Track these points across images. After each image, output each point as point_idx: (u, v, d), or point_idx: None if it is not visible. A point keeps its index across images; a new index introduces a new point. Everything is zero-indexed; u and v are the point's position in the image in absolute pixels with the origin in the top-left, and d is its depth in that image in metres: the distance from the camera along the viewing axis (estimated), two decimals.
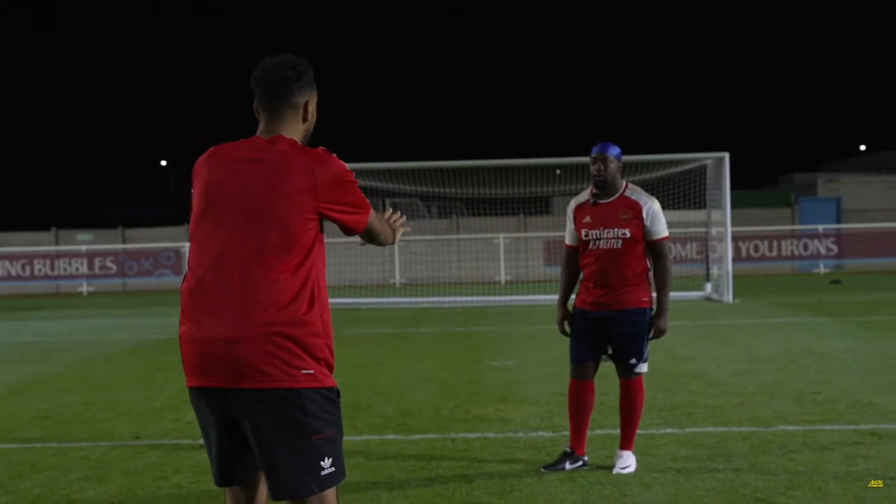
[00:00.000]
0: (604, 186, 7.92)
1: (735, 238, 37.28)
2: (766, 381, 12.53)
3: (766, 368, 13.65)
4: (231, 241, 4.31)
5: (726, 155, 27.79)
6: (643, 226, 7.89)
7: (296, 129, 4.54)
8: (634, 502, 7.20)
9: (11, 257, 43.97)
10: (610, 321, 7.99)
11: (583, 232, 8.01)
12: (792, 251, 43.38)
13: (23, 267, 43.99)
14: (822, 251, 43.13)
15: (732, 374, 13.25)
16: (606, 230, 7.85)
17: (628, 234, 7.82)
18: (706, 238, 31.43)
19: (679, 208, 33.44)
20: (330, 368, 4.40)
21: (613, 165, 7.90)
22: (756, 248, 42.54)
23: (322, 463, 4.29)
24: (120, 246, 44.43)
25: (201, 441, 9.37)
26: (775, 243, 43.26)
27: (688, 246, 40.14)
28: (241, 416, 4.32)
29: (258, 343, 4.21)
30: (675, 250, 41.14)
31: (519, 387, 12.69)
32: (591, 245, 7.97)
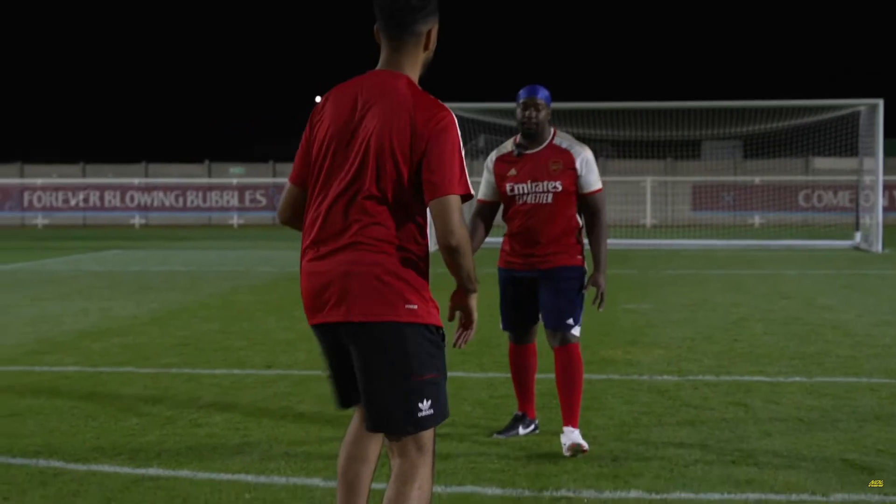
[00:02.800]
0: (533, 135, 7.05)
1: (887, 187, 36.48)
2: None
3: None
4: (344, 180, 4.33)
5: (881, 101, 27.26)
6: (576, 177, 7.01)
7: (417, 58, 4.49)
8: (751, 448, 7.12)
9: (165, 188, 44.98)
10: (540, 280, 7.11)
11: (507, 186, 7.10)
12: None
13: (176, 198, 44.97)
14: None
15: (871, 324, 13.02)
16: (536, 183, 7.00)
17: (559, 187, 6.95)
18: (857, 186, 30.86)
19: (831, 155, 32.92)
20: (435, 307, 4.39)
21: (545, 112, 7.03)
22: None
23: (420, 405, 4.28)
24: (270, 179, 45.13)
25: (265, 371, 9.60)
26: None
27: (839, 194, 39.44)
28: (349, 346, 4.38)
29: (365, 279, 4.25)
30: (825, 198, 40.44)
31: (651, 330, 12.62)
32: (517, 200, 7.07)
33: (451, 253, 4.19)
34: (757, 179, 41.29)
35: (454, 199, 4.18)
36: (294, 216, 4.59)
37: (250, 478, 6.45)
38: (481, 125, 32.41)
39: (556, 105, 28.55)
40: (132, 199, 45.23)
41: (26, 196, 45.97)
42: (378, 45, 4.49)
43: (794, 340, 11.75)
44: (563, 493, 6.14)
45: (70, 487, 6.30)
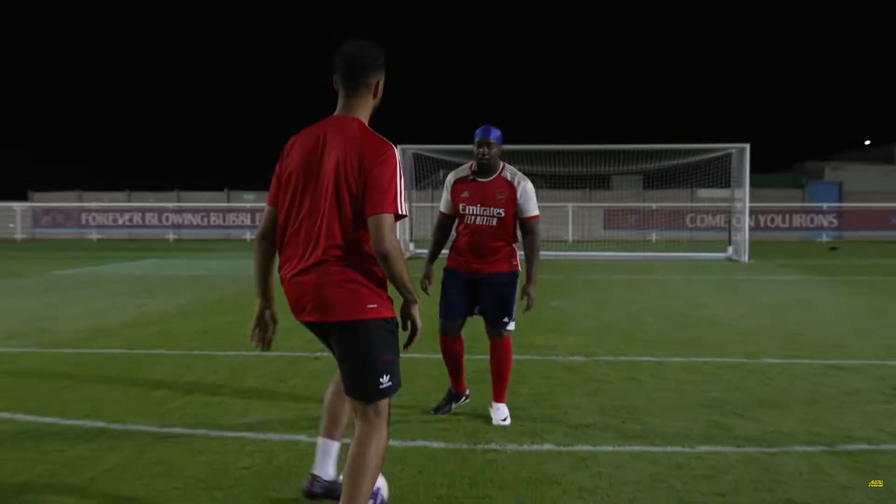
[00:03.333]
0: (486, 168, 6.92)
1: (754, 212, 36.71)
2: (762, 324, 12.40)
3: (764, 314, 13.50)
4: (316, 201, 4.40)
5: (747, 146, 27.53)
6: (517, 205, 6.87)
7: (367, 105, 4.50)
8: (639, 411, 7.18)
9: (193, 210, 44.91)
10: (481, 282, 6.95)
11: (460, 206, 6.98)
12: (800, 223, 42.72)
13: (202, 218, 44.83)
14: (825, 224, 42.40)
15: (737, 317, 13.12)
16: (484, 208, 6.86)
17: (503, 214, 6.84)
18: (730, 211, 31.05)
19: (709, 186, 33.14)
20: (390, 301, 4.45)
21: (496, 149, 6.87)
22: (771, 220, 41.92)
23: (381, 379, 4.34)
24: None
25: (316, 353, 9.61)
26: (787, 217, 42.60)
27: (716, 217, 39.71)
28: (329, 337, 4.45)
29: (336, 288, 4.30)
30: (706, 220, 40.70)
31: (567, 321, 12.67)
32: (467, 219, 6.94)
33: (383, 259, 4.19)
34: (654, 205, 41.49)
35: (388, 217, 4.17)
36: (271, 230, 4.67)
37: (251, 435, 6.48)
38: (440, 162, 32.52)
39: (505, 146, 28.46)
40: (167, 218, 44.92)
41: (83, 216, 45.65)
42: (336, 92, 4.54)
43: (676, 329, 11.84)
44: (492, 446, 6.19)
45: (110, 442, 6.31)
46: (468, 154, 29.00)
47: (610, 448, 6.14)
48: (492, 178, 6.94)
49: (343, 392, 4.64)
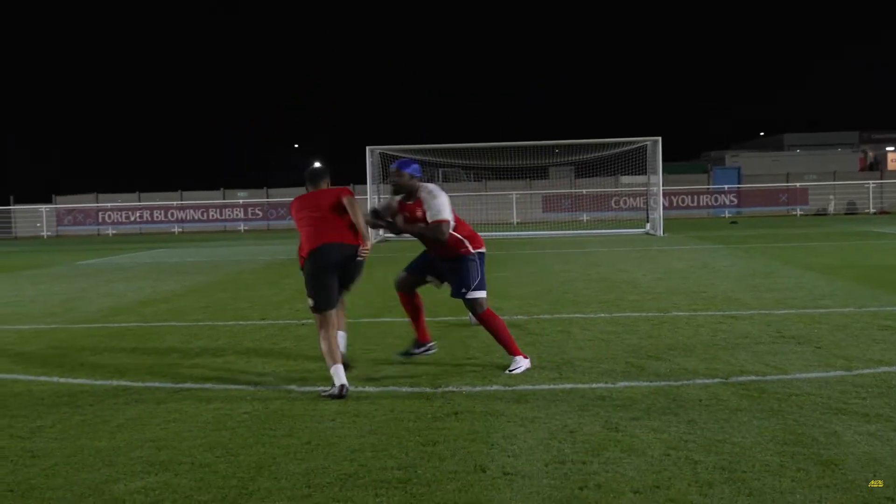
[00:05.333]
0: (398, 192, 7.03)
1: (667, 193, 37.13)
2: (672, 285, 12.63)
3: (674, 277, 13.74)
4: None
5: (659, 139, 27.94)
6: (426, 214, 6.90)
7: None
8: (569, 357, 7.35)
9: (195, 207, 44.64)
10: (441, 261, 7.08)
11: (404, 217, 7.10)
12: (706, 202, 43.22)
13: (202, 213, 44.56)
14: (727, 203, 42.93)
15: (652, 280, 13.35)
16: (413, 224, 6.98)
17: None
18: (647, 194, 31.38)
19: (629, 174, 33.43)
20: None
21: (406, 178, 6.93)
22: (682, 200, 42.41)
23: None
24: (265, 199, 44.83)
25: (303, 321, 9.70)
26: (695, 197, 43.06)
27: (637, 199, 40.07)
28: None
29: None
30: (627, 202, 41.02)
31: (510, 288, 12.83)
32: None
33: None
34: (584, 191, 41.83)
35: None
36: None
37: (250, 387, 6.58)
38: (436, 164, 32.61)
39: (459, 144, 27.99)
40: (172, 215, 44.61)
41: (100, 214, 45.25)
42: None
43: (602, 291, 12.04)
44: (449, 388, 6.33)
45: (133, 396, 6.41)
46: (430, 153, 28.53)
47: (547, 387, 6.30)
48: (413, 201, 7.00)
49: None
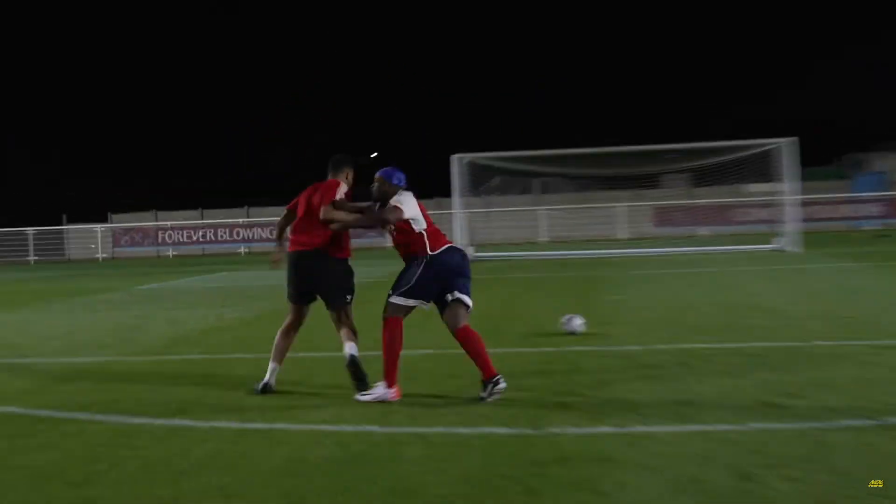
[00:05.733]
0: (378, 199, 7.90)
1: (803, 203, 36.39)
2: (810, 309, 12.34)
3: (813, 300, 13.44)
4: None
5: (796, 139, 27.54)
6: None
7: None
8: (691, 394, 7.23)
9: (262, 225, 45.33)
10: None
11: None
12: (846, 213, 42.22)
13: (270, 231, 45.04)
14: (872, 213, 41.86)
15: (786, 303, 13.08)
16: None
17: (393, 228, 7.69)
18: (777, 204, 30.81)
19: (756, 181, 32.94)
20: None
21: (384, 186, 7.83)
22: (818, 211, 41.42)
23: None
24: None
25: (336, 353, 9.71)
26: (834, 207, 42.11)
27: (764, 210, 39.36)
28: None
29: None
30: (753, 214, 40.33)
31: (622, 313, 12.71)
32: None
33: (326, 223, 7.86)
34: (703, 202, 41.29)
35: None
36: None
37: (326, 427, 6.61)
38: (496, 169, 32.63)
39: (553, 151, 28.09)
40: (238, 233, 45.60)
41: (160, 234, 46.49)
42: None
43: (727, 317, 11.82)
44: (553, 429, 6.27)
45: (197, 436, 6.50)
46: (524, 160, 28.82)
47: (666, 428, 6.19)
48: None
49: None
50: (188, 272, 29.30)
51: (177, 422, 7.02)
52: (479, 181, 31.58)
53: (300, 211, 8.15)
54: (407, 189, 7.87)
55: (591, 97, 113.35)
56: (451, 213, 29.73)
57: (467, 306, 7.49)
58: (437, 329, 8.70)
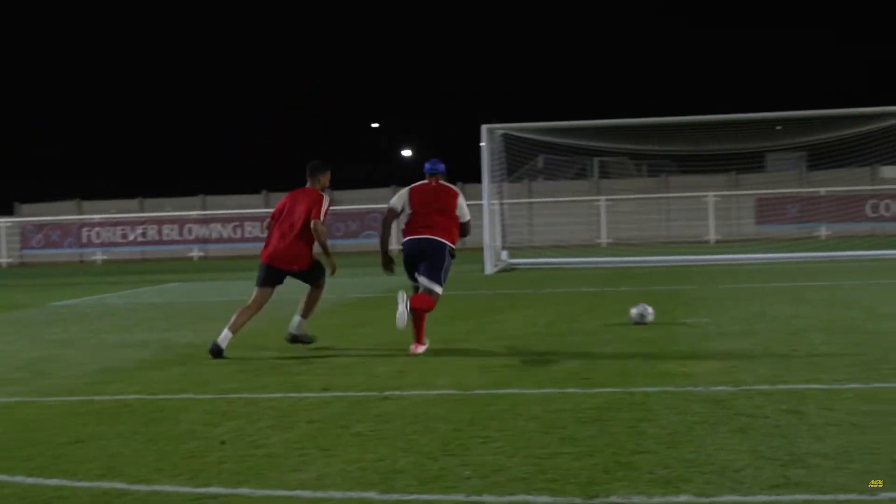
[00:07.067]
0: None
1: None
2: None
3: None
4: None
5: None
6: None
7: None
8: (802, 452, 7.23)
9: (223, 220, 45.47)
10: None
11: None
12: None
13: (234, 229, 45.37)
14: None
15: None
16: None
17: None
18: None
19: (892, 163, 32.72)
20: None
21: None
22: None
23: None
24: (338, 207, 45.30)
25: (385, 392, 9.82)
26: None
27: None
28: None
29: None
30: (893, 207, 40.13)
31: (707, 342, 12.72)
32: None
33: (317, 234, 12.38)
34: (822, 191, 41.07)
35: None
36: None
37: (307, 493, 6.65)
38: (541, 145, 32.38)
39: (616, 121, 28.74)
40: (190, 231, 45.68)
41: (84, 232, 46.50)
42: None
43: (852, 348, 11.82)
44: (612, 499, 6.28)
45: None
46: (570, 133, 29.26)
47: (765, 499, 6.19)
48: None
49: None
50: (123, 283, 29.42)
51: (106, 484, 7.04)
52: (518, 162, 31.46)
53: (282, 219, 12.70)
54: (430, 176, 12.24)
55: (666, 55, 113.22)
56: (479, 205, 29.44)
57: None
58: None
